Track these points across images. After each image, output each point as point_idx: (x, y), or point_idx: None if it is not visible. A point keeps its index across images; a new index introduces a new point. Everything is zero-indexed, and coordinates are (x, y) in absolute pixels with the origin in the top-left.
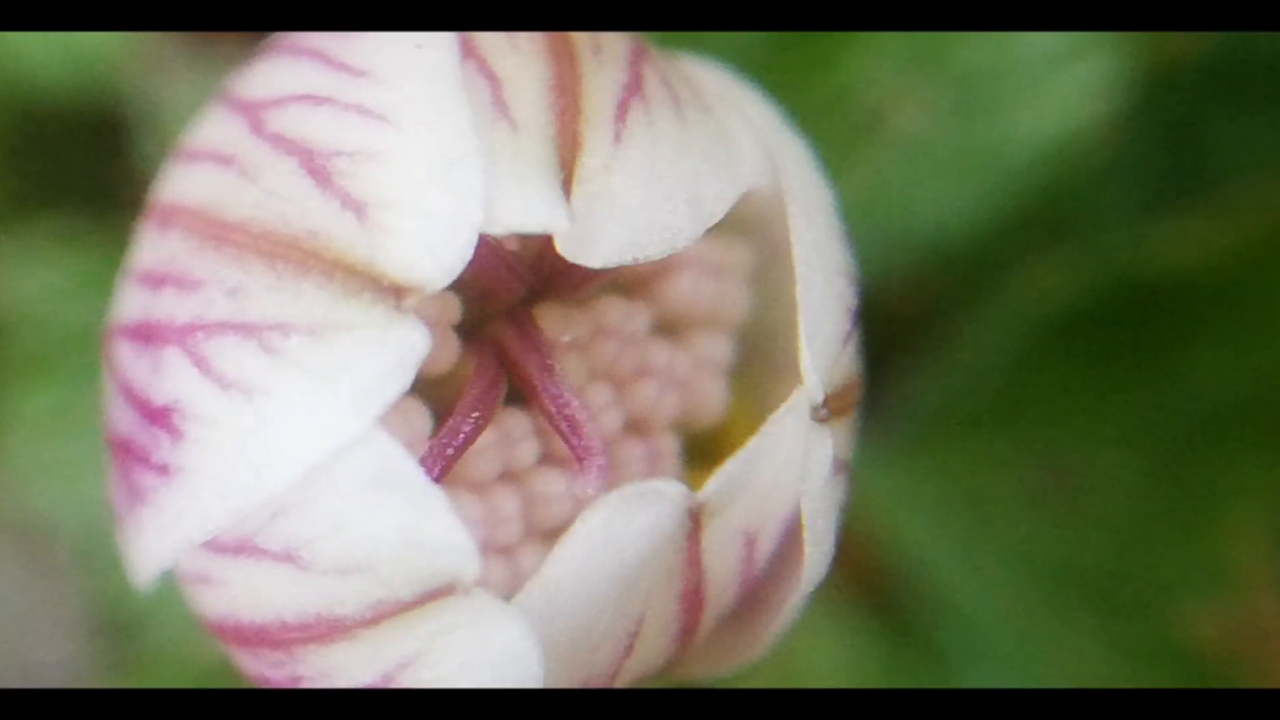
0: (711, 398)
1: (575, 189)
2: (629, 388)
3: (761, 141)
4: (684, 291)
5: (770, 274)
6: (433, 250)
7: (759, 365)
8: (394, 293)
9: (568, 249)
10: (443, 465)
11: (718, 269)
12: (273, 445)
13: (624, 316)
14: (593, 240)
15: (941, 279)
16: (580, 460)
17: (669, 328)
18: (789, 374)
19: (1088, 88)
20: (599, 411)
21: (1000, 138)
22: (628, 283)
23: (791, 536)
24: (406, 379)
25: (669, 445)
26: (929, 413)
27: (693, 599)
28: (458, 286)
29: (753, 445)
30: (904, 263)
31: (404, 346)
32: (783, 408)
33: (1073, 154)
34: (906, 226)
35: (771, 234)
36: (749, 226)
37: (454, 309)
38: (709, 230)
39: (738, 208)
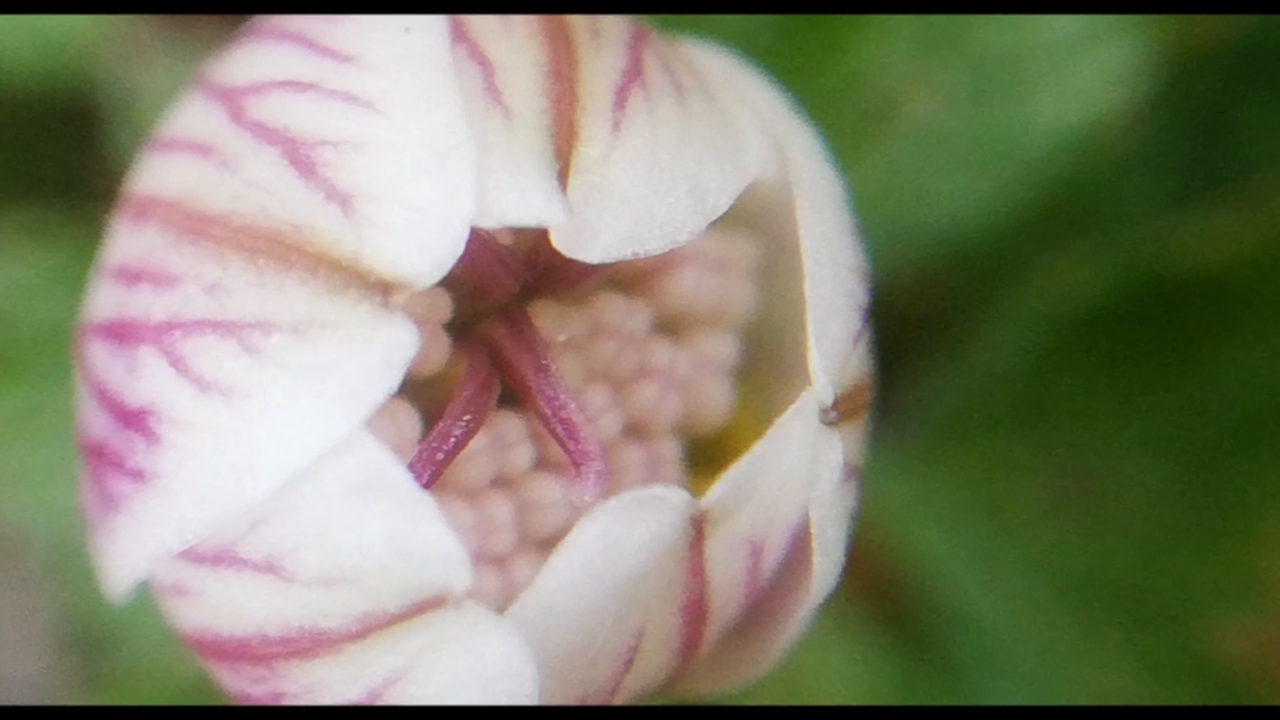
0: (715, 400)
1: (572, 180)
2: (628, 389)
3: (768, 130)
4: (686, 288)
5: (777, 270)
6: (422, 244)
7: (765, 366)
8: (381, 289)
9: (564, 243)
10: (433, 471)
11: (722, 264)
12: (254, 449)
13: (623, 314)
14: (590, 234)
15: (957, 275)
16: (577, 465)
17: (670, 326)
18: (797, 375)
19: (1112, 73)
20: (597, 414)
21: (1019, 126)
22: (627, 279)
23: (799, 546)
24: (394, 380)
25: (670, 450)
26: (945, 416)
27: (695, 612)
28: (448, 283)
29: (759, 450)
30: (918, 258)
31: (392, 346)
32: (790, 410)
33: (1096, 143)
34: (920, 220)
35: (778, 228)
36: (755, 220)
37: (444, 306)
38: (712, 223)
39: (743, 200)
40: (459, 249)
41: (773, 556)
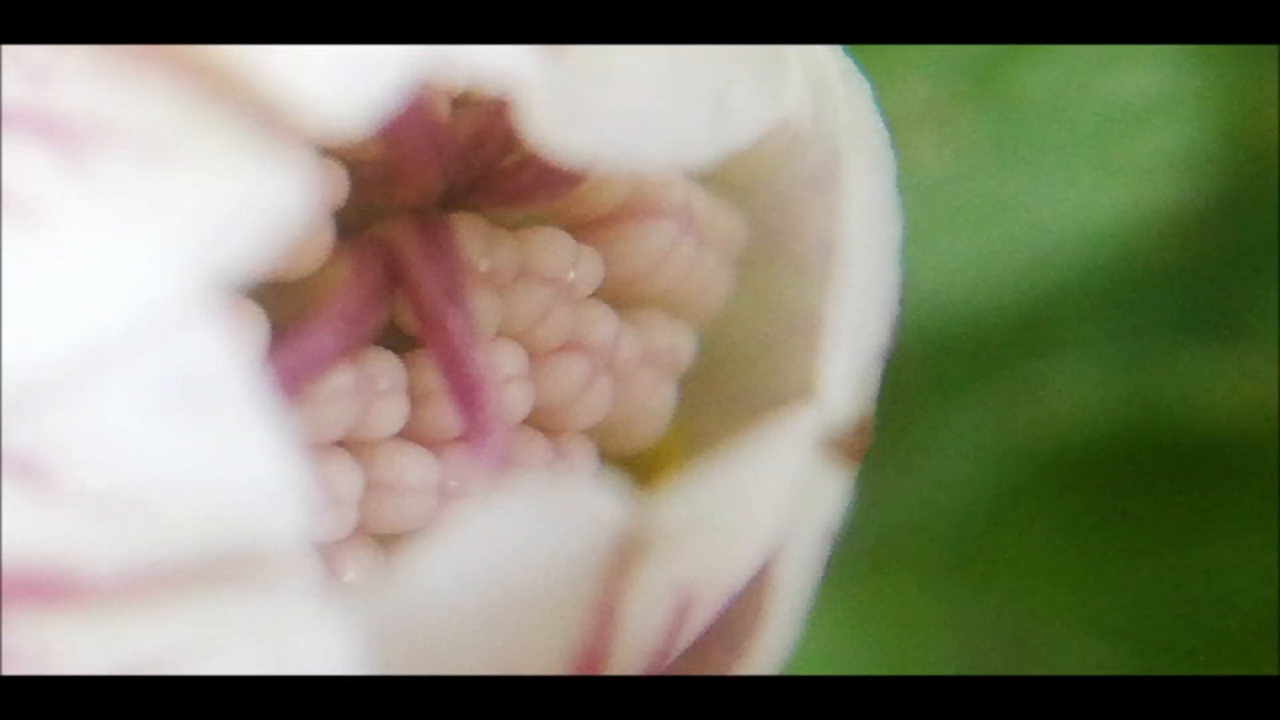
0: (653, 405)
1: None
2: (548, 362)
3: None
4: (655, 247)
5: (765, 269)
6: (346, 82)
7: (720, 381)
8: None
9: (534, 119)
10: (287, 386)
11: (704, 234)
12: (47, 298)
13: (566, 260)
14: (571, 118)
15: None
16: (471, 438)
17: (620, 299)
18: (756, 400)
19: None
20: (504, 382)
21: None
22: (582, 220)
23: (747, 602)
24: (264, 243)
25: (581, 451)
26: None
27: (589, 660)
28: (350, 160)
29: (727, 466)
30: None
31: (279, 190)
32: (779, 424)
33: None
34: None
35: (776, 219)
36: (753, 201)
37: (339, 186)
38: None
39: (744, 175)
40: (391, 98)
41: (703, 614)
